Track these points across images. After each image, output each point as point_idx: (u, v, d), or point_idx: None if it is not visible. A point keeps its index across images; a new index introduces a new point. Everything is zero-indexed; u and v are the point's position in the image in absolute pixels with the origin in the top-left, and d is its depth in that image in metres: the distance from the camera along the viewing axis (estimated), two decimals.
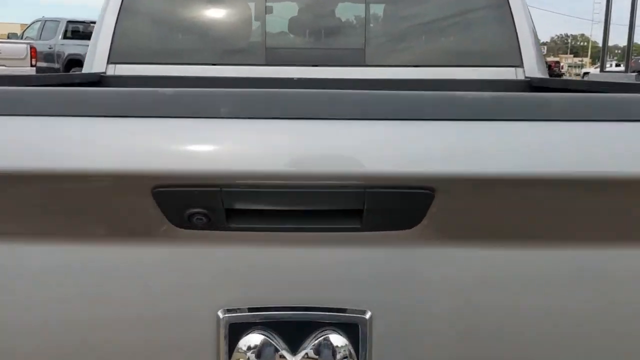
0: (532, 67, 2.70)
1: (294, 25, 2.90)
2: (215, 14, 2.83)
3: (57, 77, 2.54)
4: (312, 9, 2.88)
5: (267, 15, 2.77)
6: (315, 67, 2.74)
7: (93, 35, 2.81)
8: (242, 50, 2.77)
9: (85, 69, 2.78)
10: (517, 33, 2.70)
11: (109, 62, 2.71)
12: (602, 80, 2.25)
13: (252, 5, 2.83)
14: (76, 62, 15.98)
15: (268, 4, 2.77)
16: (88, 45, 10.34)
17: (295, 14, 2.90)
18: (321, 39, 2.87)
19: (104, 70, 2.69)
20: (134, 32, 2.75)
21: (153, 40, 2.77)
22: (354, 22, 2.87)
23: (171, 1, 2.79)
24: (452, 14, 2.80)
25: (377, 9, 2.87)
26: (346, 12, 2.95)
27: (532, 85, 2.64)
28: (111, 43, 2.72)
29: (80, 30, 17.22)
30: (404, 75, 2.69)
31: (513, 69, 2.71)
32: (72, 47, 16.64)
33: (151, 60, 2.73)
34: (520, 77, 2.70)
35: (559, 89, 2.49)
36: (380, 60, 2.75)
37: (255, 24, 2.81)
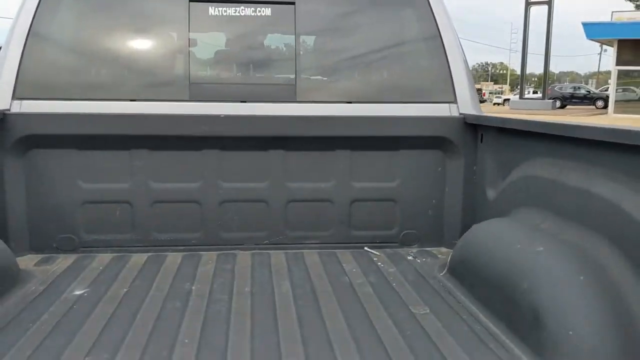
0: (466, 103, 2.65)
1: (221, 58, 2.73)
2: (136, 45, 2.62)
3: None
4: (239, 41, 2.73)
5: (190, 48, 2.59)
6: (244, 103, 2.58)
7: None
8: (164, 85, 2.57)
9: None
10: (450, 69, 2.65)
11: (13, 97, 2.45)
12: (535, 121, 2.23)
13: (174, 36, 2.64)
14: None
15: (192, 35, 2.59)
16: None
17: (222, 46, 2.74)
18: (250, 73, 2.72)
19: (7, 107, 2.42)
20: (43, 64, 2.50)
21: (65, 73, 2.52)
22: (284, 55, 2.73)
23: (87, 29, 2.57)
24: (385, 47, 2.71)
25: (309, 42, 2.75)
26: (276, 45, 2.81)
27: (466, 121, 2.59)
28: (16, 76, 2.45)
29: None
30: (338, 112, 2.58)
31: (447, 105, 2.65)
32: None
33: (63, 95, 2.49)
34: (455, 113, 2.64)
35: (491, 126, 2.44)
36: (312, 96, 2.63)
37: (179, 57, 2.62)
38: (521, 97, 38.81)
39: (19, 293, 2.01)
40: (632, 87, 28.08)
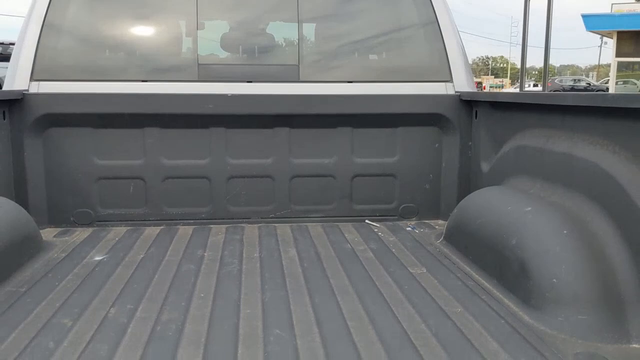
0: (461, 82, 2.78)
1: (228, 41, 2.86)
2: (146, 29, 2.75)
3: None
4: (245, 25, 2.86)
5: (199, 31, 2.72)
6: (250, 83, 2.72)
7: (14, 49, 2.67)
8: (173, 67, 2.71)
9: (6, 87, 2.64)
10: (446, 50, 2.78)
11: (31, 79, 2.58)
12: (524, 93, 2.42)
13: (183, 20, 2.77)
14: None
15: (200, 19, 2.72)
16: (5, 68, 9.95)
17: (229, 30, 2.87)
18: (255, 55, 2.85)
19: (26, 88, 2.56)
20: (59, 48, 2.63)
21: (80, 56, 2.66)
22: (289, 39, 2.86)
23: (100, 16, 2.70)
24: (385, 31, 2.85)
25: (311, 25, 2.87)
26: (280, 30, 2.94)
27: (461, 98, 2.72)
28: (34, 59, 2.59)
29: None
30: (339, 91, 2.71)
31: (444, 84, 2.78)
32: None
33: (77, 77, 2.62)
34: (451, 91, 2.77)
35: (485, 101, 2.58)
36: (315, 76, 2.76)
37: (187, 40, 2.76)
38: (521, 90, 38.87)
39: (43, 259, 2.15)
40: (632, 80, 28.12)
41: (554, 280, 1.62)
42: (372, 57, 2.90)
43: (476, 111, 2.68)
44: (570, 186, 1.85)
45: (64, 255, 2.22)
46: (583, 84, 39.07)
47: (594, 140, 1.77)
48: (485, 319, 1.63)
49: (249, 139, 2.70)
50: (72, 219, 2.64)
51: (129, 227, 2.63)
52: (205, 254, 2.25)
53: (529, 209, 1.88)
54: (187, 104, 2.62)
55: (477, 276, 1.98)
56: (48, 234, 2.50)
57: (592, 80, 46.61)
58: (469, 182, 2.71)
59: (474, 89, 2.87)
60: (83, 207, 2.64)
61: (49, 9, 2.61)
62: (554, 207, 1.83)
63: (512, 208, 1.96)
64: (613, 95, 1.64)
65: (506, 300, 1.76)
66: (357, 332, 1.54)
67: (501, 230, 1.91)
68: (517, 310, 1.69)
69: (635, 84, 27.92)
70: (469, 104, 2.72)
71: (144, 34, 2.75)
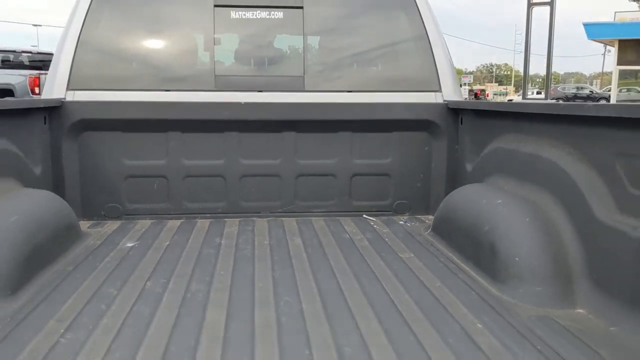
0: (449, 92, 3.11)
1: (241, 54, 3.20)
2: (168, 45, 3.10)
3: (25, 102, 2.73)
4: (256, 40, 3.19)
5: (215, 46, 3.06)
6: (260, 92, 3.05)
7: (52, 63, 3.01)
8: (193, 78, 3.05)
9: (45, 95, 2.98)
10: (435, 63, 3.12)
11: (68, 88, 2.93)
12: (501, 102, 2.74)
13: (201, 36, 3.11)
14: (6, 92, 15.51)
15: (216, 35, 3.06)
16: (18, 75, 10.52)
17: (242, 44, 3.20)
18: (265, 67, 3.19)
19: (63, 96, 2.90)
20: (91, 62, 2.97)
21: (109, 68, 3.00)
22: (294, 52, 3.20)
23: (126, 34, 3.04)
24: (380, 45, 3.18)
25: (314, 41, 3.21)
26: (287, 43, 3.27)
27: (449, 107, 3.05)
28: (70, 71, 2.94)
29: (10, 60, 16.80)
30: (339, 100, 3.04)
31: (433, 93, 3.11)
32: (2, 76, 16.16)
33: (108, 87, 2.96)
34: (440, 100, 3.10)
35: (469, 109, 2.91)
36: (318, 86, 3.09)
37: (205, 54, 3.10)
38: (524, 98, 39.10)
39: (82, 245, 2.49)
40: (636, 88, 28.30)
41: (516, 259, 1.94)
42: (370, 68, 3.23)
43: (462, 118, 3.01)
44: (535, 181, 2.17)
45: (99, 242, 2.55)
46: (586, 91, 39.32)
47: (554, 143, 2.09)
48: (459, 291, 1.95)
49: (259, 142, 3.04)
50: (102, 212, 2.97)
51: (153, 220, 2.96)
52: (222, 241, 2.58)
53: (500, 201, 2.20)
54: (205, 111, 2.96)
55: (456, 259, 2.30)
56: (82, 225, 2.83)
57: (596, 88, 46.86)
58: (455, 181, 3.03)
59: (460, 98, 3.19)
60: (113, 202, 2.98)
61: (83, 27, 2.96)
62: (520, 199, 2.16)
63: (486, 201, 2.29)
64: (565, 105, 1.97)
65: (478, 277, 2.08)
66: (352, 301, 1.86)
67: (477, 220, 2.23)
68: (486, 284, 2.01)
69: (639, 92, 28.14)
70: (456, 111, 3.05)
71: (166, 49, 3.09)
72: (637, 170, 1.64)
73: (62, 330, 1.61)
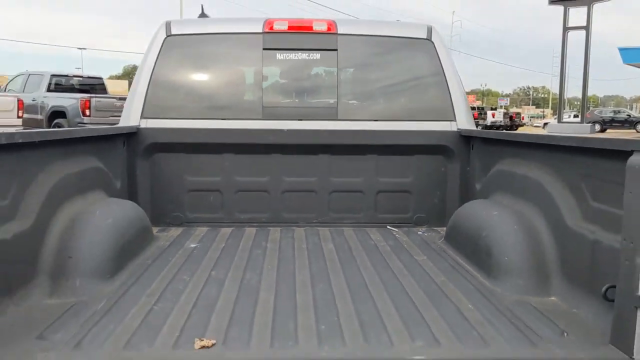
0: (462, 121, 3.61)
1: (284, 88, 3.77)
2: (225, 80, 3.68)
3: (110, 129, 3.34)
4: (297, 77, 3.75)
5: (263, 82, 3.64)
6: (300, 120, 3.60)
7: (129, 95, 3.63)
8: (244, 109, 3.62)
9: (123, 122, 3.59)
10: (451, 96, 3.62)
11: (142, 117, 3.53)
12: (502, 132, 3.21)
13: (252, 74, 3.69)
14: (59, 113, 16.49)
15: (264, 73, 3.64)
16: (69, 98, 11.57)
17: (285, 80, 3.77)
18: (304, 99, 3.74)
19: (138, 124, 3.51)
20: (161, 95, 3.58)
21: (176, 101, 3.60)
22: (329, 86, 3.74)
23: (190, 72, 3.65)
24: (402, 81, 3.71)
25: (346, 77, 3.75)
26: (323, 77, 3.82)
27: (461, 134, 3.55)
28: (144, 103, 3.54)
29: (62, 83, 17.88)
30: (367, 127, 3.57)
31: (449, 122, 3.62)
32: (55, 99, 17.08)
33: (174, 116, 3.56)
34: (454, 128, 3.60)
35: (479, 137, 3.40)
36: (349, 115, 3.63)
37: (255, 89, 3.67)
38: (559, 121, 38.97)
39: (155, 246, 3.05)
40: None
41: (505, 258, 2.42)
42: (394, 101, 3.75)
43: (472, 144, 3.50)
44: (524, 197, 2.65)
45: (168, 243, 3.12)
46: (623, 115, 38.96)
47: (539, 165, 2.57)
48: (459, 283, 2.44)
49: (298, 163, 3.58)
50: (168, 220, 3.55)
51: (209, 227, 3.52)
52: (268, 245, 3.12)
53: (496, 213, 2.69)
54: (254, 136, 3.52)
55: (460, 260, 2.79)
56: (152, 230, 3.41)
57: (634, 112, 46.37)
58: (466, 198, 3.51)
59: (472, 127, 3.68)
60: (176, 211, 3.55)
61: (155, 67, 3.57)
62: (512, 211, 2.64)
63: (485, 213, 2.77)
64: (544, 135, 2.46)
65: (476, 273, 2.56)
66: (372, 287, 2.37)
67: (477, 228, 2.72)
68: (481, 278, 2.49)
69: None
70: (467, 138, 3.54)
71: (223, 84, 3.68)
72: (595, 188, 2.11)
73: (152, 302, 2.16)
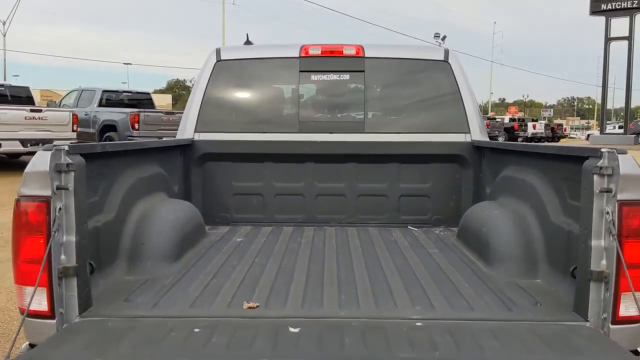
0: (476, 133, 4.07)
1: (318, 105, 4.30)
2: (267, 98, 4.24)
3: (170, 142, 3.92)
4: (329, 94, 4.27)
5: (300, 100, 4.17)
6: (331, 133, 4.12)
7: (185, 112, 4.22)
8: (283, 123, 4.17)
9: (179, 135, 4.18)
10: (466, 112, 4.08)
11: (195, 131, 4.11)
12: (506, 142, 3.66)
13: (290, 92, 4.24)
14: (110, 127, 17.44)
15: (300, 91, 4.18)
16: (119, 112, 12.67)
17: (319, 97, 4.30)
18: (335, 114, 4.26)
19: (191, 137, 4.09)
20: (212, 112, 4.15)
21: (225, 116, 4.17)
22: (357, 103, 4.24)
23: (236, 91, 4.22)
24: (422, 98, 4.20)
25: (372, 95, 4.25)
26: (351, 97, 4.33)
27: (474, 145, 4.00)
28: (197, 119, 4.12)
29: (112, 98, 18.91)
30: (391, 139, 4.07)
31: (463, 134, 4.08)
32: (106, 113, 18.06)
33: (223, 130, 4.13)
34: (468, 140, 4.06)
35: (488, 147, 3.85)
36: (374, 129, 4.13)
37: (292, 106, 4.21)
38: (602, 132, 38.52)
39: (207, 240, 3.60)
40: None
41: (500, 248, 2.87)
42: (414, 116, 4.24)
43: (484, 153, 3.95)
44: (521, 197, 3.09)
45: (218, 238, 3.66)
46: None
47: (532, 171, 3.02)
48: (461, 268, 2.90)
49: (329, 170, 4.10)
50: (216, 220, 4.10)
51: (252, 226, 4.06)
52: (302, 240, 3.63)
53: (496, 212, 3.14)
54: (291, 147, 4.06)
55: (466, 252, 3.25)
56: None
57: None
58: (478, 201, 3.95)
59: (485, 139, 4.13)
60: (224, 212, 4.11)
61: (207, 87, 4.15)
62: (509, 210, 3.09)
63: (488, 212, 3.23)
64: (533, 145, 2.90)
65: (477, 261, 3.02)
66: (386, 269, 2.85)
67: (480, 225, 3.17)
68: (480, 266, 2.95)
69: None
70: (479, 148, 3.99)
71: (264, 102, 4.23)
72: (571, 188, 2.55)
73: (208, 279, 2.70)
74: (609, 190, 2.07)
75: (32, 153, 13.71)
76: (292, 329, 2.04)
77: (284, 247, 3.41)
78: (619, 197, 2.05)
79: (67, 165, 2.11)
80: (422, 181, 4.10)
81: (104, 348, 1.90)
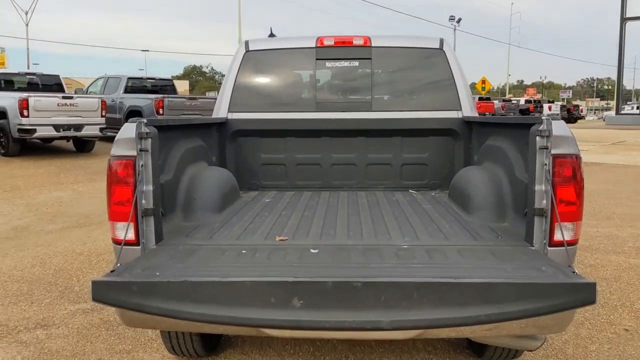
0: (467, 110, 4.78)
1: (332, 88, 5.04)
2: (287, 83, 4.99)
3: (208, 119, 4.68)
4: (341, 79, 5.00)
5: (317, 84, 4.91)
6: (343, 112, 4.85)
7: (218, 97, 4.98)
8: (303, 104, 4.91)
9: (214, 115, 4.94)
10: (458, 92, 4.79)
11: (228, 111, 4.87)
12: (487, 117, 4.43)
13: (308, 77, 4.97)
14: (136, 112, 18.25)
15: (317, 76, 4.92)
16: (144, 98, 13.91)
17: (333, 81, 5.03)
18: (347, 95, 5.00)
19: (225, 116, 4.85)
20: (242, 95, 4.91)
21: (253, 99, 4.93)
22: (365, 85, 4.96)
23: (262, 77, 4.98)
24: (421, 81, 4.92)
25: (378, 79, 4.98)
26: (360, 79, 5.04)
27: (465, 120, 4.72)
28: (230, 101, 4.88)
29: (137, 85, 19.77)
30: (394, 116, 4.79)
31: (456, 111, 4.79)
32: (131, 99, 18.90)
33: (251, 110, 4.88)
34: (460, 116, 4.77)
35: (476, 122, 4.57)
36: (380, 107, 4.86)
37: (310, 89, 4.95)
38: (617, 113, 38.66)
39: (241, 200, 4.37)
40: None
41: (478, 200, 3.60)
42: (415, 96, 4.95)
43: (472, 127, 4.66)
44: (497, 160, 3.81)
45: (250, 199, 4.44)
46: None
47: (505, 139, 3.73)
48: (445, 215, 3.64)
49: (342, 143, 4.84)
50: (247, 186, 4.88)
51: (277, 191, 4.82)
52: (319, 200, 4.38)
53: (476, 172, 3.87)
54: (309, 124, 4.80)
55: (453, 206, 3.98)
56: None
57: None
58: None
59: (475, 114, 4.84)
60: (253, 180, 4.88)
61: (237, 74, 4.90)
62: (487, 171, 3.81)
63: (470, 174, 3.95)
64: (503, 117, 3.61)
65: (459, 211, 3.75)
66: (386, 216, 3.60)
67: (464, 183, 3.90)
68: (462, 215, 3.68)
69: None
70: (469, 123, 4.70)
71: (286, 86, 4.98)
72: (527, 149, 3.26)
73: (247, 223, 3.47)
74: (546, 147, 2.79)
75: (64, 137, 14.93)
76: (312, 250, 2.81)
77: (304, 204, 4.17)
78: (553, 152, 2.76)
79: (147, 133, 2.88)
80: (421, 152, 4.82)
81: (182, 259, 2.69)
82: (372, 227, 3.32)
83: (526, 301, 2.17)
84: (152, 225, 2.93)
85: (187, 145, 3.85)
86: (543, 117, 2.83)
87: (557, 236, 2.77)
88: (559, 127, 2.77)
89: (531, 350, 3.31)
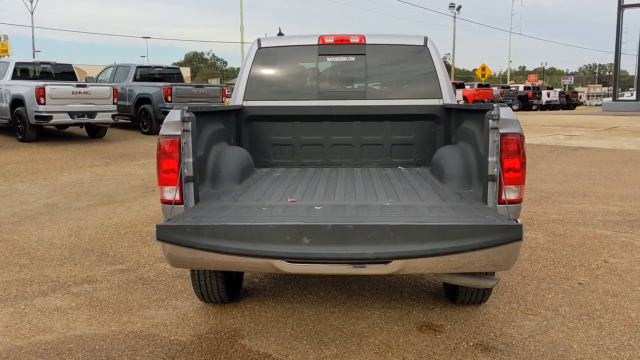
0: (447, 98, 5.57)
1: (332, 79, 5.83)
2: (294, 75, 5.78)
3: (228, 106, 5.47)
4: (340, 71, 5.79)
5: (319, 75, 5.71)
6: (341, 100, 5.65)
7: (235, 87, 5.77)
8: (307, 93, 5.71)
9: (232, 102, 5.74)
10: (439, 83, 5.58)
11: (243, 99, 5.68)
12: (461, 105, 5.24)
13: (311, 70, 5.77)
14: (145, 100, 19.01)
15: (319, 69, 5.71)
16: (153, 86, 15.04)
17: (332, 73, 5.83)
18: (345, 85, 5.79)
19: (241, 104, 5.65)
20: (255, 85, 5.71)
21: (264, 89, 5.72)
22: (360, 77, 5.74)
23: (273, 70, 5.77)
24: (408, 74, 5.70)
25: (371, 71, 5.76)
26: (356, 72, 5.83)
27: (445, 107, 5.52)
28: (245, 90, 5.68)
29: (146, 73, 20.49)
30: (385, 104, 5.59)
31: (437, 99, 5.59)
32: (140, 87, 19.59)
33: (263, 98, 5.68)
34: (441, 103, 5.57)
35: (454, 108, 5.38)
36: (373, 96, 5.65)
37: (313, 80, 5.74)
38: (614, 99, 39.28)
39: (255, 175, 5.18)
40: None
41: (450, 172, 4.41)
42: (403, 87, 5.75)
43: (451, 113, 5.46)
44: (467, 140, 4.60)
45: (263, 174, 5.25)
46: None
47: (473, 122, 4.52)
48: (422, 183, 4.45)
49: (341, 127, 5.64)
50: (260, 163, 5.69)
51: (285, 168, 5.63)
52: (322, 175, 5.19)
53: (450, 150, 4.67)
54: (312, 110, 5.61)
55: (432, 177, 4.79)
56: None
57: None
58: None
59: (453, 102, 5.63)
60: (265, 158, 5.70)
61: (251, 68, 5.69)
62: (459, 149, 4.61)
63: (446, 152, 4.76)
64: (474, 105, 4.40)
65: (435, 180, 4.56)
66: (376, 185, 4.41)
67: (441, 159, 4.71)
68: (437, 184, 4.49)
69: None
70: (448, 109, 5.50)
71: (293, 77, 5.77)
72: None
73: (264, 191, 4.28)
74: (496, 128, 3.59)
75: (78, 124, 15.86)
76: (317, 207, 3.63)
77: (309, 177, 4.98)
78: (500, 131, 3.56)
79: (188, 117, 3.68)
80: (408, 133, 5.63)
81: (218, 212, 3.51)
82: (363, 192, 4.13)
83: (471, 238, 2.99)
84: (192, 189, 3.73)
85: (213, 128, 4.65)
86: (494, 105, 3.63)
87: (503, 196, 3.58)
88: (506, 112, 3.57)
89: (489, 288, 4.12)
